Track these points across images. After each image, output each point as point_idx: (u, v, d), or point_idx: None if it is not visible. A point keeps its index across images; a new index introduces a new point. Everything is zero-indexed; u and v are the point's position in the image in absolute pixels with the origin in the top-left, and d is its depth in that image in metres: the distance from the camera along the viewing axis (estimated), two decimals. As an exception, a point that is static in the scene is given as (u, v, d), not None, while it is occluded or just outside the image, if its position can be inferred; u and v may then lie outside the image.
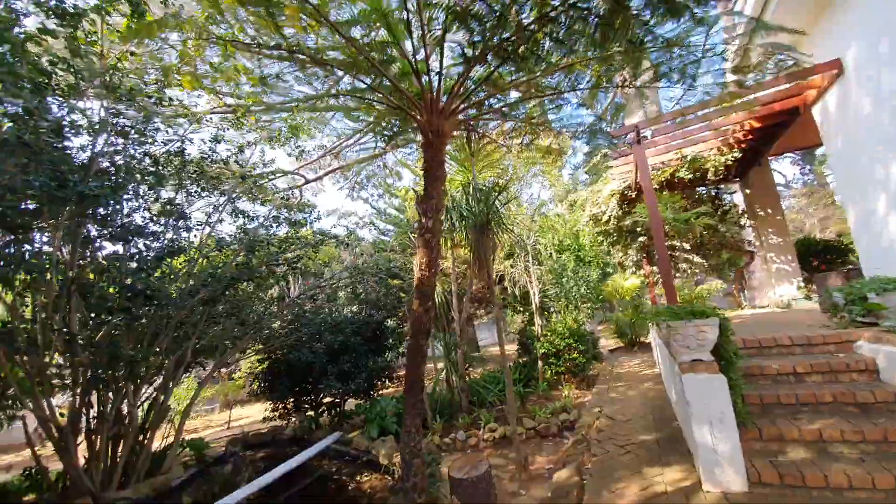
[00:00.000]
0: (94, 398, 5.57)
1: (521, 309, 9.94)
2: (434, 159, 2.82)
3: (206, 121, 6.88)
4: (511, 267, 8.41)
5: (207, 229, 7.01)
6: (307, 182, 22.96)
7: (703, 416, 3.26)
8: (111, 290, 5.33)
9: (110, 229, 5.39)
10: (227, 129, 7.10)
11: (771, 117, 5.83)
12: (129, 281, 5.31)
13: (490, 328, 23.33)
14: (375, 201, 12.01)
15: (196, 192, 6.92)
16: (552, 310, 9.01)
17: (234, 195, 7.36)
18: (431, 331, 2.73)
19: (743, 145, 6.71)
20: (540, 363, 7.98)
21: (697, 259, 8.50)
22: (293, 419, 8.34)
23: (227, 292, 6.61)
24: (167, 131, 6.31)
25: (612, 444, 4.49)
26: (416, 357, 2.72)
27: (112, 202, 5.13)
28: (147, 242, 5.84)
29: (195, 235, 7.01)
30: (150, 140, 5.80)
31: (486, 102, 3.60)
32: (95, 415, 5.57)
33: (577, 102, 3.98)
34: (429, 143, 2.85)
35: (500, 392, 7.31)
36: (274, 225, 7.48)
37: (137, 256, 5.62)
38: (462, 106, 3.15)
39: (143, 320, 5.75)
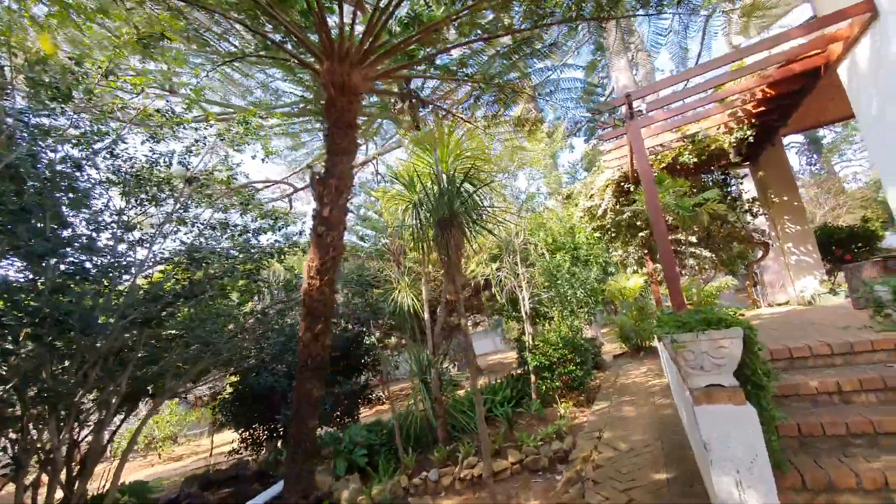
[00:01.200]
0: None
1: (516, 315, 9.06)
2: (338, 123, 2.05)
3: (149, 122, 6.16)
4: (497, 270, 7.56)
5: (167, 242, 6.25)
6: (296, 191, 22.10)
7: (726, 463, 2.39)
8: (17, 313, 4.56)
9: (19, 244, 4.64)
10: (172, 129, 6.37)
11: (787, 82, 4.96)
12: (34, 304, 4.53)
13: (489, 335, 22.37)
14: (357, 208, 11.27)
15: (144, 200, 6.19)
16: (547, 316, 8.12)
17: (181, 202, 6.60)
18: (326, 364, 1.89)
19: (754, 120, 5.83)
20: (532, 377, 7.09)
21: (706, 253, 7.61)
22: (263, 451, 7.50)
23: (164, 312, 5.81)
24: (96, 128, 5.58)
25: (612, 485, 3.60)
26: (301, 406, 1.89)
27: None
28: (76, 258, 5.07)
29: (150, 250, 6.24)
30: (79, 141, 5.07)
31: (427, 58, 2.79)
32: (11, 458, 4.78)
33: (542, 49, 3.16)
34: (331, 102, 2.07)
35: (487, 414, 6.43)
36: (225, 232, 6.68)
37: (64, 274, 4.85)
38: (383, 58, 2.35)
39: (66, 349, 4.97)
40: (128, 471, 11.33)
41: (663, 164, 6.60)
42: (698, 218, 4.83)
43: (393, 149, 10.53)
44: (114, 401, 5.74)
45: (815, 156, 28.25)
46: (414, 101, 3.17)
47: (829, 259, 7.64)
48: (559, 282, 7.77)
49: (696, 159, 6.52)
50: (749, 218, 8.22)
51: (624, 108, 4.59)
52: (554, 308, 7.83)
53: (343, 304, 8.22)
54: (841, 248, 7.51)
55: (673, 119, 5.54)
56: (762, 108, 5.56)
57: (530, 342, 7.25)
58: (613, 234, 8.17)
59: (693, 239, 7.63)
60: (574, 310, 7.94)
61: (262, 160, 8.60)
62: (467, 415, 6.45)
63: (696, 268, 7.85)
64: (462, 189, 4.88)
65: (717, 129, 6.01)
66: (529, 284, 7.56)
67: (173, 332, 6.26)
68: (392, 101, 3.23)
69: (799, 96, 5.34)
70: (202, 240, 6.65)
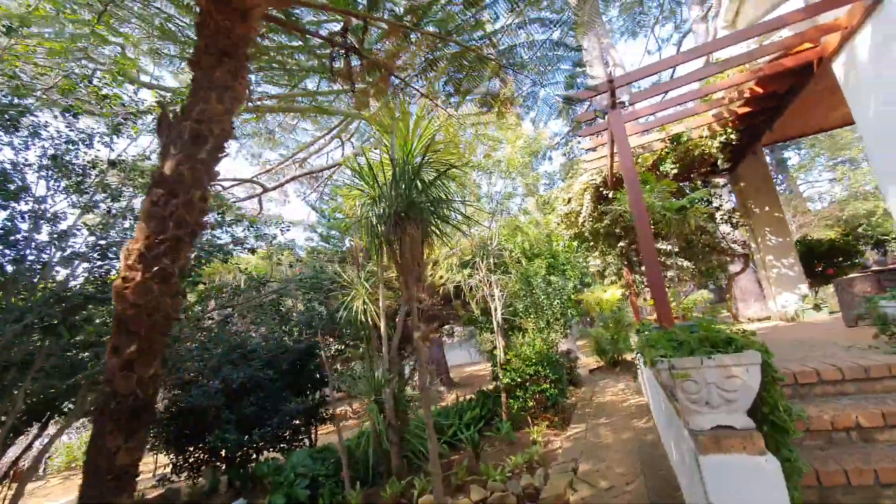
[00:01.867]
0: None
1: (489, 326, 8.45)
2: (211, 48, 1.41)
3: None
4: (469, 277, 6.94)
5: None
6: (266, 191, 20.86)
7: (741, 531, 1.81)
8: None
9: None
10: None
11: (777, 79, 4.61)
12: None
13: (464, 346, 21.73)
14: (323, 204, 10.44)
15: (65, 187, 5.30)
16: (521, 328, 7.55)
17: (109, 191, 5.72)
18: (151, 409, 1.18)
19: (738, 123, 5.49)
20: (503, 396, 6.46)
21: (687, 263, 7.24)
22: (200, 478, 6.53)
23: (74, 317, 4.90)
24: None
25: (588, 537, 2.98)
26: (95, 476, 1.16)
27: None
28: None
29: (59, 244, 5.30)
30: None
31: None
32: None
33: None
34: (205, 19, 1.42)
35: (452, 438, 5.75)
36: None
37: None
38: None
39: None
40: (58, 493, 10.02)
41: (644, 169, 6.20)
42: (685, 222, 4.40)
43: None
44: (4, 419, 4.79)
45: (780, 176, 29.32)
46: (349, 52, 2.53)
47: (811, 273, 7.41)
48: (535, 291, 7.22)
49: (676, 167, 6.14)
50: (728, 229, 7.96)
51: (605, 98, 4.10)
52: (529, 319, 7.26)
53: (301, 313, 7.41)
54: (822, 261, 7.29)
55: (657, 116, 5.12)
56: (748, 109, 5.22)
57: (502, 357, 6.64)
58: (591, 243, 7.73)
59: (672, 248, 7.26)
60: (550, 322, 7.40)
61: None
62: (423, 441, 5.75)
63: (676, 279, 7.48)
64: (424, 178, 4.27)
65: (700, 131, 5.64)
66: (503, 293, 6.98)
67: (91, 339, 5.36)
68: (330, 57, 2.59)
69: (789, 96, 5.01)
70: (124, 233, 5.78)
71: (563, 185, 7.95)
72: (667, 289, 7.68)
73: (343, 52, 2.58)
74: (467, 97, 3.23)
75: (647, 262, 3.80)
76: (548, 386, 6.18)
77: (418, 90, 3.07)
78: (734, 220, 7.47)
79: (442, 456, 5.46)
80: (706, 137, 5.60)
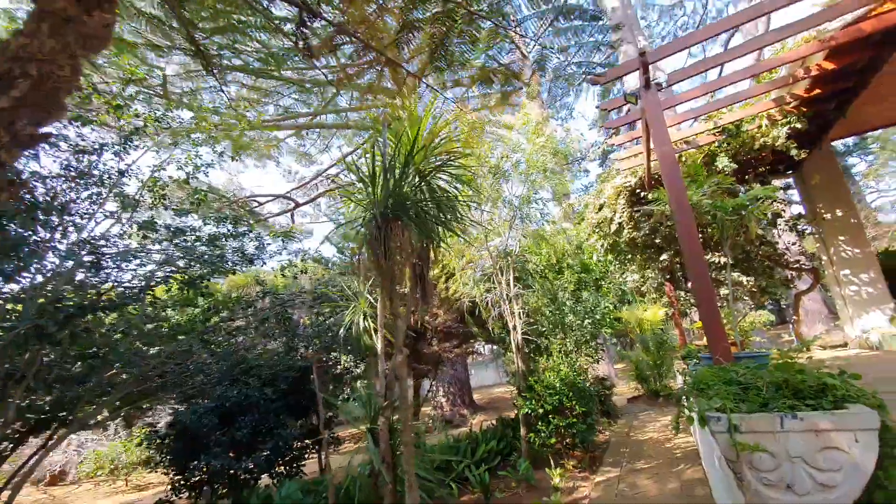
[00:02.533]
0: None
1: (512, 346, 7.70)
2: None
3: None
4: (487, 291, 6.27)
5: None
6: (297, 206, 21.41)
7: None
8: None
9: None
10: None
11: (853, 49, 3.73)
12: None
13: (489, 366, 20.81)
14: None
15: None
16: (546, 349, 6.74)
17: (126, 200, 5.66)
18: None
19: (805, 109, 4.57)
20: (522, 429, 5.67)
21: (744, 279, 6.20)
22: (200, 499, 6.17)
23: (69, 326, 4.72)
24: None
25: None
26: None
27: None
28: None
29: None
30: None
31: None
32: None
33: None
34: None
35: (458, 478, 5.05)
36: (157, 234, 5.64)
37: None
38: None
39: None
40: (85, 499, 10.13)
41: (691, 166, 5.34)
42: (744, 227, 3.55)
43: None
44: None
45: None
46: (305, 17, 2.06)
47: (898, 291, 6.12)
48: (561, 308, 6.43)
49: (734, 164, 5.23)
50: (792, 238, 6.82)
51: (637, 77, 3.43)
52: (555, 340, 6.45)
53: (306, 327, 7.03)
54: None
55: (702, 103, 4.34)
56: (817, 91, 4.31)
57: (521, 383, 5.87)
58: (628, 255, 6.86)
59: (728, 261, 6.25)
60: (579, 344, 6.54)
61: (233, 158, 7.66)
62: (440, 472, 5.06)
63: (731, 297, 6.42)
64: (425, 173, 3.74)
65: (760, 119, 4.76)
66: (524, 310, 6.25)
67: (91, 350, 5.21)
68: (298, 26, 2.16)
69: (867, 74, 4.08)
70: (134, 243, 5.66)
71: (594, 190, 7.19)
72: (720, 308, 6.64)
73: (302, 21, 2.13)
74: (465, 73, 2.68)
75: (694, 274, 3.03)
76: (574, 420, 5.33)
77: (400, 65, 2.57)
78: (800, 228, 6.35)
79: (445, 498, 4.75)
80: (766, 127, 4.71)
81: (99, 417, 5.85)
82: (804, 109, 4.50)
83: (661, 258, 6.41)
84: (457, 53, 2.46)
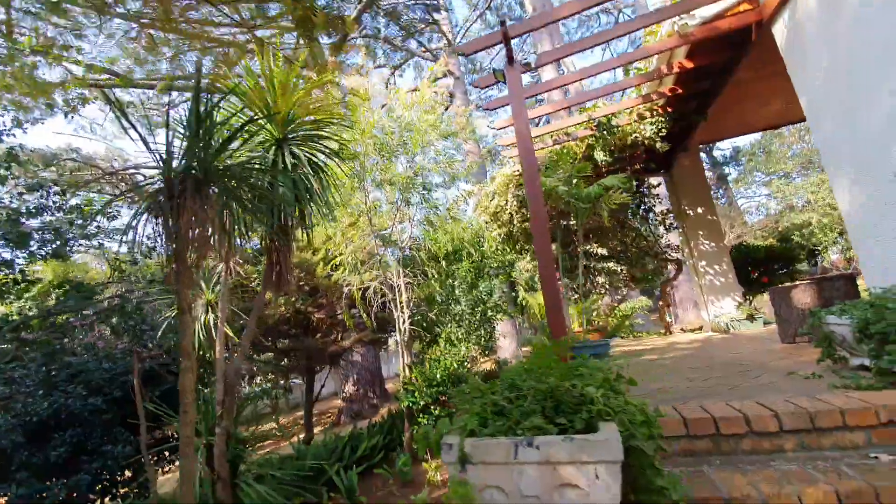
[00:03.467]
0: None
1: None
2: None
3: None
4: (373, 280, 5.84)
5: None
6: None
7: None
8: None
9: None
10: None
11: (710, 49, 3.90)
12: None
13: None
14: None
15: None
16: (437, 338, 6.55)
17: None
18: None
19: (670, 108, 4.80)
20: (405, 422, 5.40)
21: (619, 268, 6.55)
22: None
23: None
24: None
25: None
26: None
27: None
28: None
29: None
30: None
31: None
32: None
33: None
34: None
35: (328, 483, 4.61)
36: None
37: None
38: None
39: None
40: None
41: (572, 159, 5.41)
42: (597, 213, 3.58)
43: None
44: None
45: (721, 190, 30.65)
46: None
47: (746, 281, 6.95)
48: (451, 296, 6.25)
49: (609, 157, 5.40)
50: (661, 231, 7.41)
51: (500, 52, 3.18)
52: (446, 328, 6.27)
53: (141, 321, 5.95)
54: (757, 269, 6.85)
55: (573, 91, 4.30)
56: (679, 91, 4.52)
57: (406, 374, 5.58)
58: (521, 242, 6.89)
59: (603, 252, 6.57)
60: (469, 332, 6.44)
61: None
62: (309, 480, 4.56)
63: (608, 285, 6.80)
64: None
65: (629, 114, 4.91)
66: (413, 299, 5.93)
67: None
68: None
69: (723, 75, 4.35)
70: None
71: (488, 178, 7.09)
72: (597, 295, 6.92)
73: None
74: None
75: (541, 260, 2.91)
76: (455, 411, 5.17)
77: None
78: (667, 223, 6.90)
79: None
80: (635, 122, 4.87)
81: None
82: (668, 109, 4.73)
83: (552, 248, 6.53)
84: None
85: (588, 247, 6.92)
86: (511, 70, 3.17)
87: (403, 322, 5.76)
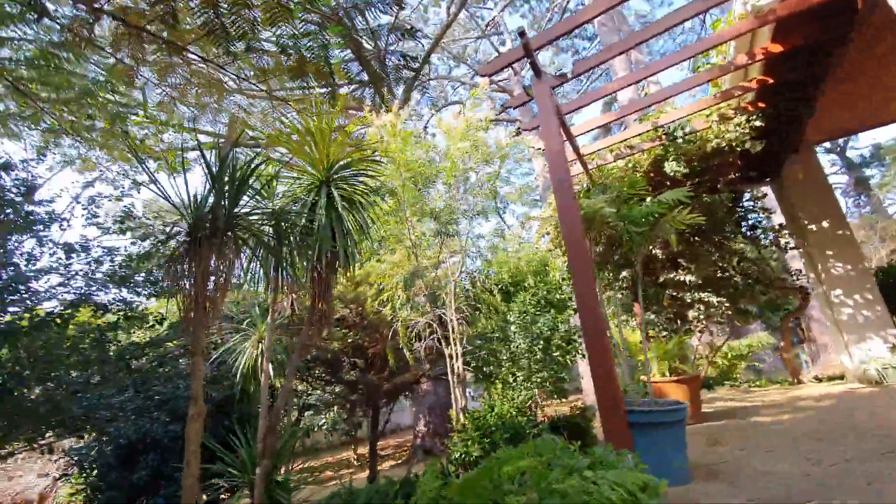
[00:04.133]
0: None
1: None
2: None
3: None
4: (420, 315, 5.62)
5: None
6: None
7: None
8: None
9: None
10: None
11: (799, 24, 3.10)
12: None
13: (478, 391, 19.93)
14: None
15: None
16: (494, 379, 6.02)
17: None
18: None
19: (762, 104, 3.91)
20: (459, 474, 4.94)
21: (714, 299, 5.43)
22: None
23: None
24: None
25: None
26: None
27: None
28: None
29: None
30: None
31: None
32: None
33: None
34: None
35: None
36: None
37: None
38: None
39: None
40: None
41: (634, 173, 4.69)
42: (661, 233, 2.90)
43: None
44: None
45: (862, 196, 25.16)
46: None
47: (902, 314, 5.26)
48: (507, 332, 5.75)
49: (687, 168, 4.57)
50: (776, 252, 6.03)
51: (519, 63, 2.86)
52: (501, 370, 5.75)
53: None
54: (920, 298, 5.15)
55: (624, 99, 3.73)
56: (769, 81, 3.65)
57: (461, 419, 5.17)
58: (595, 270, 6.15)
59: (695, 279, 5.49)
60: (530, 374, 5.81)
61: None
62: None
63: (701, 320, 5.63)
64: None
65: (707, 117, 4.12)
66: (464, 336, 5.57)
67: None
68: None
69: (825, 56, 3.43)
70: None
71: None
72: (681, 335, 5.79)
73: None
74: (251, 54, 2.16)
75: (579, 297, 2.41)
76: (509, 466, 4.57)
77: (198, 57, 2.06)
78: (782, 243, 5.56)
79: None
80: (716, 126, 4.06)
81: (9, 448, 5.38)
82: (760, 105, 3.85)
83: (622, 275, 5.71)
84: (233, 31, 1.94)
85: (673, 274, 5.91)
86: (539, 84, 2.83)
87: (456, 360, 5.41)
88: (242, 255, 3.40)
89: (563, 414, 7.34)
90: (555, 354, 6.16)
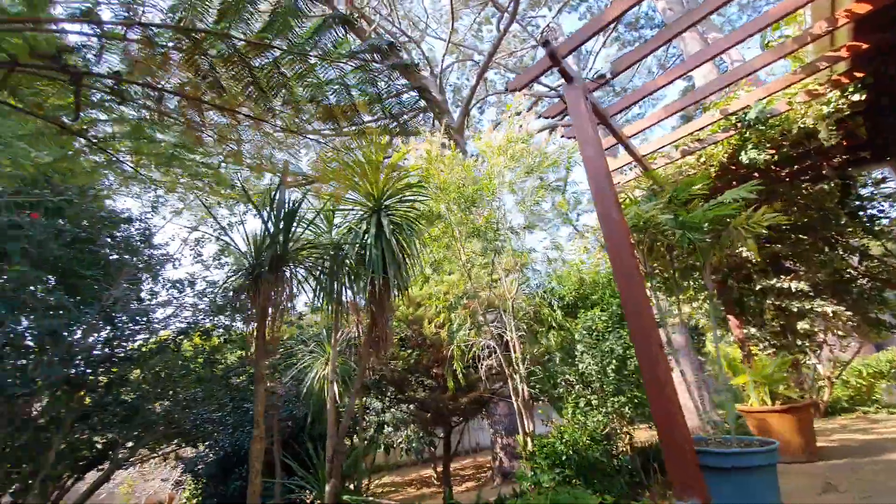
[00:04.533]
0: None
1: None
2: None
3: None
4: (475, 335, 5.49)
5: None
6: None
7: None
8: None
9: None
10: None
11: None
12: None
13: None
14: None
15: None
16: (563, 402, 5.63)
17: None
18: None
19: (858, 73, 3.24)
20: (524, 505, 4.68)
21: (829, 308, 4.54)
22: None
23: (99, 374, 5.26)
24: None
25: None
26: None
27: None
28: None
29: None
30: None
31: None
32: None
33: None
34: None
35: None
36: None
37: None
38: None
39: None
40: None
41: (708, 168, 4.15)
42: (725, 239, 2.45)
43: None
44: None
45: None
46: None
47: None
48: (573, 353, 5.40)
49: (770, 156, 3.93)
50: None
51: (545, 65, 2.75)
52: (569, 392, 5.38)
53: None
54: None
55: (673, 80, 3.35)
56: (862, 48, 3.01)
57: (529, 445, 4.94)
58: (660, 280, 5.56)
59: (802, 286, 4.63)
60: (605, 398, 5.35)
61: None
62: None
63: (813, 333, 4.71)
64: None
65: (791, 93, 3.52)
66: (526, 356, 5.36)
67: (128, 397, 5.78)
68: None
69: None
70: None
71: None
72: (794, 353, 4.94)
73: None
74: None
75: (630, 315, 2.18)
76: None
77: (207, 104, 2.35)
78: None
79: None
80: (802, 103, 3.47)
81: (138, 456, 6.40)
82: (857, 74, 3.19)
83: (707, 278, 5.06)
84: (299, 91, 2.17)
85: (774, 281, 5.09)
86: (571, 90, 2.69)
87: (519, 382, 5.20)
88: (304, 285, 3.64)
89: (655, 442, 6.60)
90: (632, 375, 5.62)
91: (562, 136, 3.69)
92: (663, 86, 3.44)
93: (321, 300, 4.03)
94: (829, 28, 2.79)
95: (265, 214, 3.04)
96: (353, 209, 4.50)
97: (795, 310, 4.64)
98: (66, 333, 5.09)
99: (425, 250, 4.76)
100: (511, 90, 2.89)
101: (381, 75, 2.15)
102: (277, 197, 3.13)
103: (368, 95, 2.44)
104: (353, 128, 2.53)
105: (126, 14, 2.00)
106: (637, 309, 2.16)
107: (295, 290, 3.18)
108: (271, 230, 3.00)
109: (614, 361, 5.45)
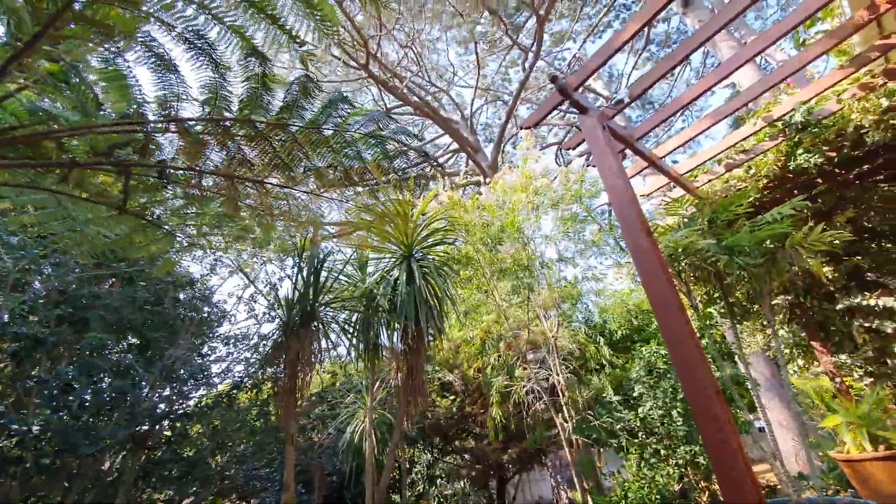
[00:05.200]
0: None
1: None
2: None
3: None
4: (517, 381, 5.14)
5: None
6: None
7: None
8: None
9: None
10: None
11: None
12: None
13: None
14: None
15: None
16: (626, 451, 5.03)
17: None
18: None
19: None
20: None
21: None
22: None
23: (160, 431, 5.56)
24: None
25: None
26: None
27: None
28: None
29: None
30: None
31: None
32: None
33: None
34: None
35: None
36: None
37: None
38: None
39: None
40: None
41: (758, 180, 3.78)
42: (784, 266, 2.09)
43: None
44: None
45: None
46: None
47: None
48: (639, 392, 4.92)
49: (821, 158, 3.50)
50: None
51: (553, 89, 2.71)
52: (630, 441, 4.83)
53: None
54: None
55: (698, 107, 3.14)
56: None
57: (580, 501, 4.44)
58: (723, 307, 5.00)
59: (891, 303, 3.94)
60: (672, 446, 4.76)
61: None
62: None
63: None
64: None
65: (839, 95, 3.18)
66: (577, 400, 4.94)
67: (187, 453, 6.02)
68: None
69: None
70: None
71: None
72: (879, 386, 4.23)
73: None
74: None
75: (668, 342, 1.96)
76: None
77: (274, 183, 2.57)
78: None
79: None
80: (854, 100, 3.12)
81: None
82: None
83: (774, 302, 4.51)
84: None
85: (858, 299, 4.40)
86: (587, 120, 2.63)
87: (572, 431, 4.77)
88: (341, 336, 3.66)
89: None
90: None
91: (587, 165, 3.57)
92: (698, 96, 3.26)
93: (357, 351, 4.03)
94: (871, 17, 2.53)
95: (293, 272, 3.16)
96: (385, 257, 4.58)
97: (891, 330, 3.92)
98: (131, 393, 5.47)
99: (459, 293, 4.67)
100: (524, 128, 2.87)
101: (390, 136, 2.27)
102: (306, 254, 3.26)
103: (378, 156, 2.56)
104: (367, 187, 2.64)
105: (163, 112, 2.25)
106: (678, 339, 1.93)
107: (327, 343, 3.20)
108: (300, 287, 3.10)
109: (679, 403, 4.89)
